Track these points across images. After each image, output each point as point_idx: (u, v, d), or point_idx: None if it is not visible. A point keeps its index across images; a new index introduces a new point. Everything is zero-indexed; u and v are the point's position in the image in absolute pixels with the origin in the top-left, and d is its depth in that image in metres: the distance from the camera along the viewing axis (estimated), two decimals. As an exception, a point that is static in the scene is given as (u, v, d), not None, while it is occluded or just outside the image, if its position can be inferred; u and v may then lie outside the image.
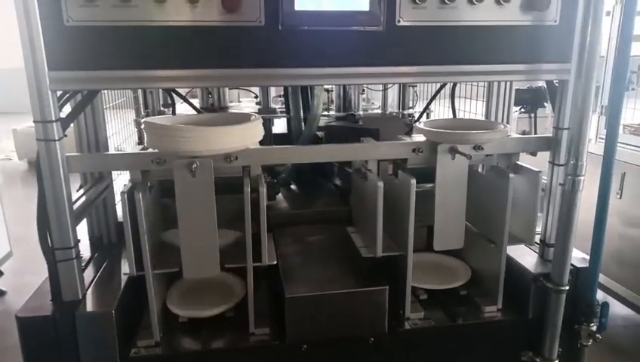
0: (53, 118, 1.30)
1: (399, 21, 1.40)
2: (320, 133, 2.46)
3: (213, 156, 1.39)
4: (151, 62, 1.32)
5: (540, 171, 1.57)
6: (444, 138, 1.53)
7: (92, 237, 1.88)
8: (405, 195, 1.52)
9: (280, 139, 2.59)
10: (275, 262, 1.55)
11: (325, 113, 2.63)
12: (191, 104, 1.82)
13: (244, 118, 1.48)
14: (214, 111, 2.74)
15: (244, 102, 3.40)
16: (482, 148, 1.58)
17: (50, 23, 1.24)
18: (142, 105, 2.91)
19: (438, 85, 2.50)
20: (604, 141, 3.49)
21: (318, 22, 1.36)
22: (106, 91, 2.24)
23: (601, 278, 3.51)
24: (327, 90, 3.14)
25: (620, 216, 3.30)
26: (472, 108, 2.41)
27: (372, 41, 1.40)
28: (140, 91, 2.84)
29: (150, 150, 1.44)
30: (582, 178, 1.47)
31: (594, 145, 3.49)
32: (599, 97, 3.59)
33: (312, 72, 1.39)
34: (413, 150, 1.58)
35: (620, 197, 3.28)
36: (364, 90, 2.80)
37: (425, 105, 2.88)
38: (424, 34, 1.43)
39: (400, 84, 2.92)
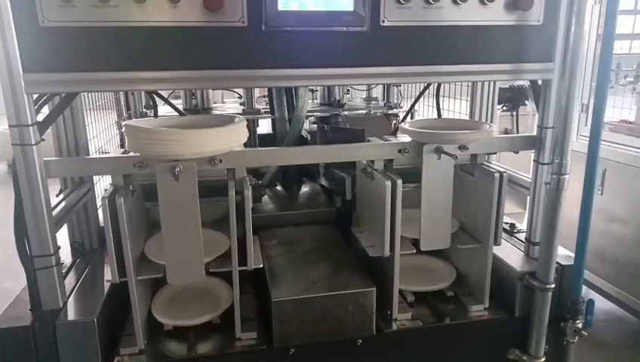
0: (29, 122, 1.26)
1: (384, 21, 1.39)
2: (305, 134, 2.45)
3: (196, 159, 1.36)
4: (131, 63, 1.29)
5: (503, 172, 1.57)
6: (430, 138, 1.52)
7: (73, 243, 1.83)
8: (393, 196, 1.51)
9: (265, 139, 2.58)
10: (261, 266, 1.53)
11: (309, 113, 2.61)
12: (173, 106, 1.79)
13: (227, 120, 1.45)
14: (197, 112, 2.71)
15: (229, 103, 3.38)
16: (467, 148, 1.58)
17: (24, 24, 1.20)
18: (124, 107, 2.87)
19: (422, 84, 2.51)
20: (585, 139, 3.53)
21: (301, 22, 1.34)
22: (86, 93, 2.20)
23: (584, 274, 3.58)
24: (312, 90, 3.13)
25: (600, 212, 3.34)
26: (457, 108, 2.41)
27: (356, 42, 1.39)
28: (121, 92, 2.79)
29: (132, 154, 1.41)
30: (566, 177, 1.48)
31: (575, 142, 3.53)
32: (580, 95, 3.63)
33: (296, 72, 1.37)
34: (399, 150, 1.57)
35: (601, 194, 3.33)
36: (348, 91, 2.78)
37: (410, 104, 2.88)
38: (409, 34, 1.42)
39: (384, 84, 2.93)
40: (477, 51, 1.49)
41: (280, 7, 1.31)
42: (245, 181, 1.46)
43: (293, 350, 1.51)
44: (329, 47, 1.38)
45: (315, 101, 3.02)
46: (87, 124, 2.14)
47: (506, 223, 2.00)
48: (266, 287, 1.57)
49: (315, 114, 2.64)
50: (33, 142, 1.28)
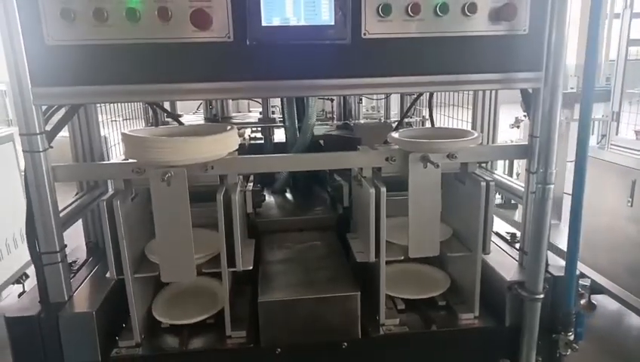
0: (37, 131, 1.40)
1: (365, 34, 1.44)
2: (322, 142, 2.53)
3: (189, 166, 1.46)
4: (127, 77, 1.40)
5: (490, 181, 1.57)
6: (415, 147, 1.55)
7: (88, 242, 1.98)
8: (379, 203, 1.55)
9: (279, 147, 2.67)
10: (251, 268, 1.60)
11: (322, 122, 2.69)
12: (173, 116, 1.90)
13: (221, 129, 1.54)
14: (216, 121, 2.85)
15: (253, 113, 3.52)
16: (456, 156, 1.60)
17: (32, 42, 1.34)
18: (151, 116, 3.05)
19: (442, 94, 2.53)
20: (616, 148, 3.40)
21: (284, 37, 1.41)
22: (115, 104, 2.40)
23: (616, 289, 3.43)
24: (331, 100, 3.22)
25: (631, 224, 3.21)
26: (464, 117, 2.41)
27: (339, 54, 1.44)
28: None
29: (131, 160, 1.52)
30: (552, 186, 1.47)
31: (605, 152, 3.42)
32: (611, 103, 3.50)
33: (279, 84, 1.44)
34: (386, 159, 1.60)
35: (631, 205, 3.19)
36: (361, 100, 2.84)
37: (425, 112, 2.90)
38: (391, 46, 1.46)
39: (400, 94, 2.96)
40: (463, 61, 1.51)
41: (263, 23, 1.39)
42: (235, 187, 1.54)
43: (279, 349, 1.56)
44: (312, 60, 1.44)
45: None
46: (113, 130, 2.34)
47: (508, 233, 1.99)
48: (257, 289, 1.64)
49: (330, 123, 2.72)
50: (41, 149, 1.42)
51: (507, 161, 5.11)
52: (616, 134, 3.43)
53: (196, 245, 1.52)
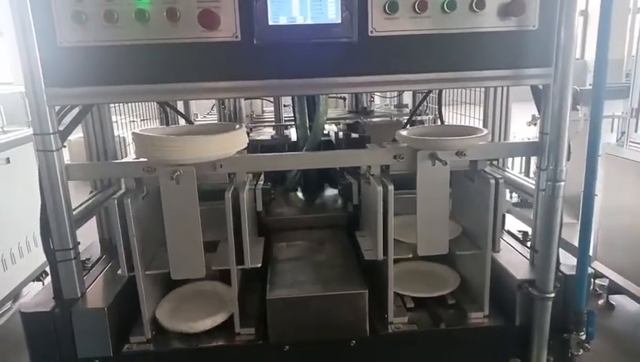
0: (51, 131, 1.43)
1: (372, 32, 1.44)
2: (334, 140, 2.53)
3: (198, 164, 1.47)
4: (137, 77, 1.43)
5: (499, 178, 1.55)
6: (422, 144, 1.55)
7: (102, 240, 2.02)
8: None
9: (291, 146, 2.68)
10: (259, 265, 1.61)
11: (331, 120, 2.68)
12: (183, 115, 1.93)
13: (230, 128, 1.56)
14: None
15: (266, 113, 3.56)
16: (465, 154, 1.59)
17: (45, 44, 1.37)
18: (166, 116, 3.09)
19: (453, 91, 2.51)
20: (635, 146, 3.32)
21: (291, 35, 1.42)
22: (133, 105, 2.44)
23: (635, 289, 3.35)
24: (343, 98, 3.22)
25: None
26: (476, 114, 2.38)
27: (345, 52, 1.45)
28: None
29: (141, 159, 1.55)
30: (562, 183, 1.45)
31: (624, 150, 3.35)
32: (629, 99, 3.42)
33: (287, 83, 1.45)
34: (394, 156, 1.60)
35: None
36: (373, 98, 2.83)
37: (437, 110, 2.88)
38: (398, 43, 1.46)
39: (412, 92, 2.95)
40: (472, 58, 1.50)
41: (270, 22, 1.40)
42: (243, 184, 1.55)
43: (288, 347, 1.57)
44: (319, 58, 1.45)
45: (345, 109, 3.10)
46: (130, 131, 2.38)
47: (520, 231, 1.96)
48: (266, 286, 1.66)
49: (340, 121, 2.72)
50: (54, 149, 1.45)
51: (524, 160, 5.03)
52: (636, 131, 3.35)
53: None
